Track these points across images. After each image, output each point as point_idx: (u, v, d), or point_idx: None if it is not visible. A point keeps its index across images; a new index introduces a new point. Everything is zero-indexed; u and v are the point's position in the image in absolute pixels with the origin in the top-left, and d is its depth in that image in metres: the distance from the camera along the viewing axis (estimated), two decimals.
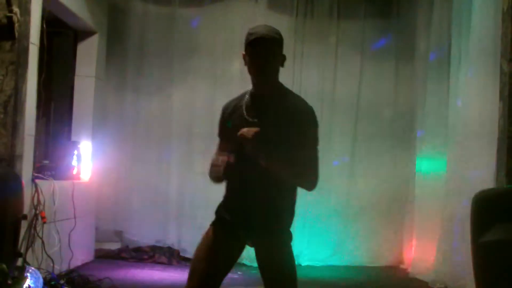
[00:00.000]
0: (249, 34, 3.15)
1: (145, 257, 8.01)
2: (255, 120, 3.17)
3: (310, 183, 3.15)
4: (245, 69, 3.27)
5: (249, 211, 3.17)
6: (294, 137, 3.12)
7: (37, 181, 5.81)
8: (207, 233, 3.28)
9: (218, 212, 3.31)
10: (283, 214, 3.24)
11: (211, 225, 3.30)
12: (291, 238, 3.24)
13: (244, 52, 3.18)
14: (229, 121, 3.28)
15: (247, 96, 3.28)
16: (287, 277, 3.17)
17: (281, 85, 3.26)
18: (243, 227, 3.20)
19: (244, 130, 3.04)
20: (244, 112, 3.22)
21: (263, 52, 3.11)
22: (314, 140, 3.18)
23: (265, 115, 3.17)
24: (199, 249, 3.25)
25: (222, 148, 3.30)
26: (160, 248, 8.23)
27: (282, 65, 3.21)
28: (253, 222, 3.17)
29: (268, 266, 3.20)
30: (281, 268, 3.18)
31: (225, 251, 3.24)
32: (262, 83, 3.21)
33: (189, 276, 3.23)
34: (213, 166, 3.20)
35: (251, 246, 3.24)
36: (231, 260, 3.28)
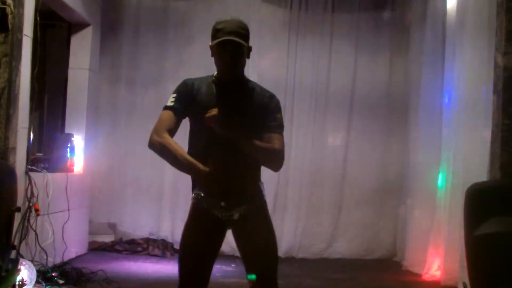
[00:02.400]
0: (217, 30, 3.21)
1: (139, 249, 8.02)
2: (226, 105, 3.22)
3: (278, 164, 3.32)
4: None
5: (231, 188, 3.21)
6: (263, 120, 3.26)
7: (30, 173, 5.81)
8: (190, 229, 3.31)
9: (197, 205, 3.33)
10: (257, 185, 3.37)
11: (192, 221, 3.33)
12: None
13: (211, 44, 3.25)
14: (198, 98, 3.28)
15: (213, 81, 3.33)
16: (273, 243, 3.31)
17: (244, 76, 3.37)
18: (226, 206, 3.23)
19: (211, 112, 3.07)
20: (215, 96, 3.27)
21: (231, 52, 3.19)
22: (281, 124, 3.33)
23: (234, 101, 3.26)
24: (187, 247, 3.28)
25: (170, 121, 3.26)
26: (154, 240, 8.24)
27: (248, 57, 3.31)
28: (235, 196, 3.24)
29: (254, 234, 3.27)
30: (267, 233, 3.30)
31: (212, 245, 3.29)
32: (230, 77, 3.29)
33: (183, 276, 3.26)
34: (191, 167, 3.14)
35: (231, 227, 3.31)
36: (218, 250, 3.34)
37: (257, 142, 3.18)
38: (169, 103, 3.28)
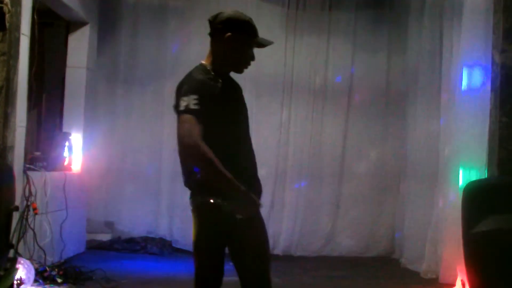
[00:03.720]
0: (252, 26, 3.35)
1: (137, 248, 8.01)
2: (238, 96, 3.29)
3: None
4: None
5: (256, 178, 3.25)
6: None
7: (28, 172, 5.81)
8: (207, 233, 3.20)
9: (218, 208, 3.14)
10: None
11: (209, 224, 3.20)
12: None
13: (233, 34, 3.21)
14: (221, 96, 3.07)
15: (213, 74, 3.12)
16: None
17: None
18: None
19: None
20: (227, 89, 3.17)
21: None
22: None
23: (237, 92, 3.29)
24: (205, 250, 3.21)
25: (200, 127, 2.92)
26: (152, 239, 8.23)
27: None
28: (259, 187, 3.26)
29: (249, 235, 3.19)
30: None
31: (224, 246, 3.24)
32: (239, 72, 3.31)
33: (202, 279, 3.22)
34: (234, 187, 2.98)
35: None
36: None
37: None
38: (193, 106, 2.93)
